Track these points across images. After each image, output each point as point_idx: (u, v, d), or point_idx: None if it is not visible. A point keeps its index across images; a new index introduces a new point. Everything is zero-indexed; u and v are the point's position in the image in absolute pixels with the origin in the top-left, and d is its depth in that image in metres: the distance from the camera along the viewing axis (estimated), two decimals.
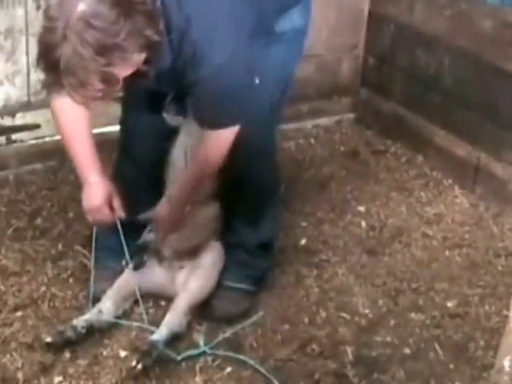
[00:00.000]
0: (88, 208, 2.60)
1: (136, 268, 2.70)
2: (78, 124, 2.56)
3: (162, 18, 2.21)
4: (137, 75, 2.21)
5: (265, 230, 2.85)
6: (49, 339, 2.56)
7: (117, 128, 2.89)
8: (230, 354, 2.59)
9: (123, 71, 2.14)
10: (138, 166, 2.77)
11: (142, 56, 2.17)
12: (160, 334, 2.58)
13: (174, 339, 2.61)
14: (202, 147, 2.52)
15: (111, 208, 2.61)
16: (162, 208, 2.66)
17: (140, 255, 2.71)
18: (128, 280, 2.73)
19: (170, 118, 2.58)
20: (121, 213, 2.61)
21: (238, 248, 2.83)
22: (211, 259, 2.80)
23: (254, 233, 2.82)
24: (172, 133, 2.72)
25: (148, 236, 2.73)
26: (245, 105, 2.43)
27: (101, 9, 2.05)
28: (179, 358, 2.56)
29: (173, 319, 2.65)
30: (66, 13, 2.05)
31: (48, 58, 2.09)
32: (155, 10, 2.17)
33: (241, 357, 2.58)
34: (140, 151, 2.76)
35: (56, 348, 2.56)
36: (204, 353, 2.59)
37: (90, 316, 2.63)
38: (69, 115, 2.52)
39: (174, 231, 2.72)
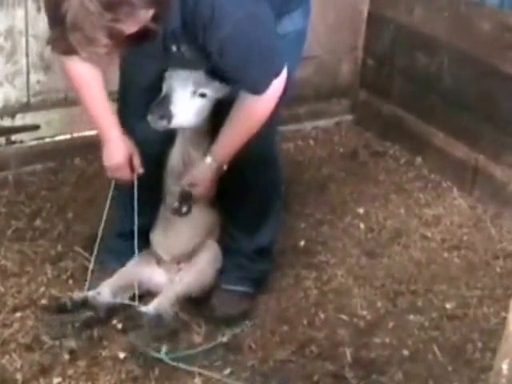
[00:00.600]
0: (108, 166, 2.65)
1: (186, 213, 2.68)
2: (94, 83, 2.56)
3: None
4: (144, 34, 2.17)
5: (264, 237, 2.85)
6: (44, 302, 2.61)
7: None
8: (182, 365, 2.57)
9: (130, 27, 2.10)
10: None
11: (150, 12, 2.12)
12: (147, 309, 2.60)
13: (159, 330, 2.61)
14: (248, 98, 2.45)
15: (131, 166, 2.63)
16: (204, 167, 2.62)
17: (188, 201, 2.67)
18: (129, 272, 2.74)
19: (154, 120, 2.53)
20: (140, 170, 2.64)
21: (236, 253, 2.83)
22: (206, 257, 2.81)
23: (252, 240, 2.82)
24: (169, 139, 2.72)
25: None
26: (277, 52, 2.42)
27: None
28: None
29: (160, 303, 2.65)
30: None
31: (55, 13, 2.06)
32: None
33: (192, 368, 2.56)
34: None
35: (50, 312, 2.64)
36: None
37: (87, 293, 2.67)
38: (83, 75, 2.53)
39: (211, 192, 2.69)
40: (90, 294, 2.67)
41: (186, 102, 2.54)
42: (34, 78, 3.44)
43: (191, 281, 2.76)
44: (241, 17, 2.28)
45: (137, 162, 2.65)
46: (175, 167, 2.73)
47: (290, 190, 3.52)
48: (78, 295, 2.70)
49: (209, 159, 2.60)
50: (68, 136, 3.58)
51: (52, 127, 3.53)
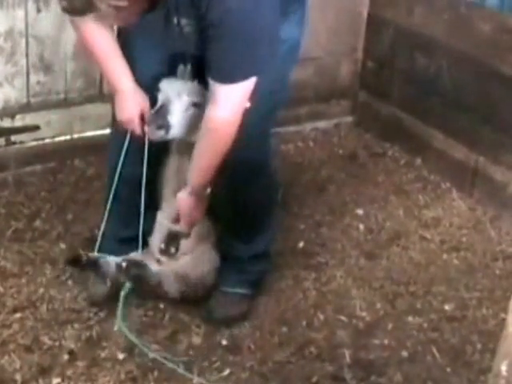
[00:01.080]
0: (120, 119, 2.60)
1: (175, 253, 2.68)
2: (105, 38, 2.53)
3: None
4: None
5: (259, 244, 2.83)
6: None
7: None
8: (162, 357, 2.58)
9: None
10: (130, 187, 2.73)
11: None
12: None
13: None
14: (209, 113, 2.40)
15: (142, 120, 2.57)
16: (183, 201, 2.58)
17: (175, 241, 2.67)
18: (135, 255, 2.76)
19: (152, 130, 2.50)
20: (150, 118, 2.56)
21: (233, 258, 2.82)
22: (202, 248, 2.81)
23: (247, 247, 2.80)
24: (162, 153, 2.70)
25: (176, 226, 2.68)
26: (265, 57, 2.36)
27: None
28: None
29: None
30: None
31: None
32: None
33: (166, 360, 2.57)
34: (131, 173, 2.71)
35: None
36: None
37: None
38: (95, 32, 2.50)
39: (198, 220, 2.65)
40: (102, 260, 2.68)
41: (183, 112, 2.53)
42: (33, 78, 3.44)
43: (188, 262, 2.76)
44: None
45: (147, 112, 2.57)
46: (170, 179, 2.71)
47: (289, 191, 3.53)
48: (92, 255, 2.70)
49: (185, 192, 2.56)
50: (68, 137, 3.58)
51: (52, 128, 3.53)
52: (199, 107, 2.53)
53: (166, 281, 2.71)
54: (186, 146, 2.62)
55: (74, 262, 2.73)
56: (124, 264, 2.62)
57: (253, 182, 2.64)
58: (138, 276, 2.64)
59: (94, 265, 2.69)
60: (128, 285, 2.64)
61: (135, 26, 2.35)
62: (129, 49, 2.58)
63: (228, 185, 2.60)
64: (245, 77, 2.34)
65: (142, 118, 2.58)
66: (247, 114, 2.40)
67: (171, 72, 2.60)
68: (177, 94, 2.52)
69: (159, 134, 2.52)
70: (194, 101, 2.54)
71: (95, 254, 2.72)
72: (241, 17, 2.26)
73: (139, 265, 2.65)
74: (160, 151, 2.69)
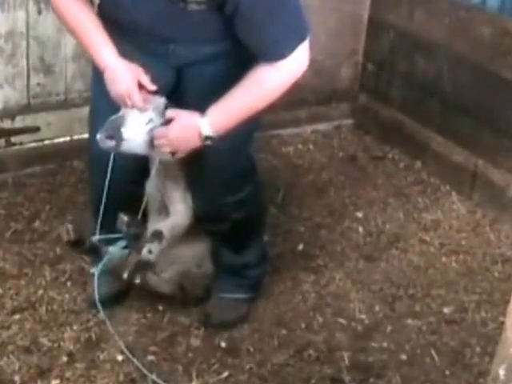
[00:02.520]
0: (116, 96, 2.35)
1: (140, 283, 2.62)
2: (85, 14, 2.34)
3: None
4: None
5: (250, 254, 2.80)
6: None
7: None
8: None
9: None
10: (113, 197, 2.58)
11: None
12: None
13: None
14: (263, 73, 2.25)
15: (140, 88, 2.34)
16: (183, 118, 2.35)
17: (143, 270, 2.60)
18: None
19: (102, 139, 2.33)
20: (153, 87, 2.35)
21: (227, 265, 2.81)
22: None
23: (239, 257, 2.79)
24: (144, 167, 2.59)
25: (149, 256, 2.59)
26: (300, 18, 2.23)
27: None
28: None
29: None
30: None
31: None
32: None
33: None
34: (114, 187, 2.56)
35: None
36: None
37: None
38: (74, 8, 2.33)
39: (175, 151, 2.40)
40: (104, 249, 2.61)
41: (140, 126, 2.36)
42: (34, 80, 3.44)
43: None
44: None
45: (145, 80, 2.33)
46: (153, 196, 2.66)
47: (288, 193, 3.53)
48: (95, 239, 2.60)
49: (195, 115, 2.33)
50: (68, 138, 3.58)
51: (52, 129, 3.53)
52: (160, 125, 2.37)
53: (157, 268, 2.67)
54: (166, 167, 2.55)
55: (77, 243, 2.65)
56: (125, 218, 2.49)
57: (237, 194, 2.61)
58: (137, 235, 2.54)
59: (96, 250, 2.62)
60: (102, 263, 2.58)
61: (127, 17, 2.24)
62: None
63: (211, 199, 2.59)
64: (294, 47, 2.23)
65: (141, 86, 2.34)
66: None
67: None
68: (140, 109, 2.35)
69: (109, 144, 2.34)
70: (154, 119, 2.37)
71: (98, 238, 2.58)
72: None
73: (139, 224, 2.55)
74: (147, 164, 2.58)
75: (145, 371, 2.52)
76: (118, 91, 2.34)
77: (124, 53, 2.36)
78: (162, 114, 2.38)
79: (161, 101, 2.38)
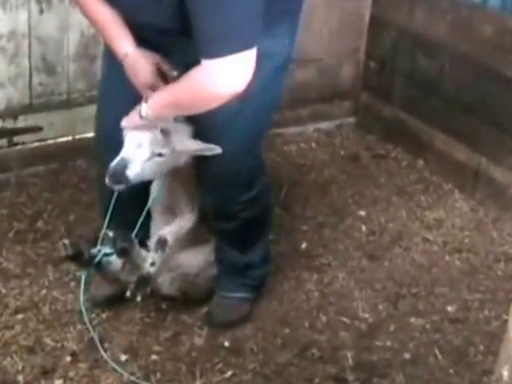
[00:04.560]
0: (137, 85, 2.39)
1: (142, 299, 2.63)
2: (103, 4, 2.35)
3: None
4: None
5: (254, 253, 2.80)
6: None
7: None
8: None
9: None
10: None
11: None
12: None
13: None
14: (192, 76, 2.23)
15: (162, 76, 2.38)
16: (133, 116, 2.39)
17: (143, 287, 2.62)
18: None
19: (110, 184, 2.40)
20: (174, 73, 2.38)
21: (230, 264, 2.81)
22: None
23: (243, 256, 2.78)
24: None
25: (151, 268, 2.62)
26: (248, 26, 2.15)
27: None
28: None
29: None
30: None
31: None
32: None
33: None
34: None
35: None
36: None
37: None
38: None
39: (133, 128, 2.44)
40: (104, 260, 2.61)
41: (143, 163, 2.42)
42: (36, 79, 3.44)
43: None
44: None
45: (166, 67, 2.38)
46: (158, 196, 2.67)
47: (291, 192, 3.53)
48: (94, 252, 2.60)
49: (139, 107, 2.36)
50: (70, 138, 3.58)
51: (54, 129, 3.53)
52: (163, 156, 2.44)
53: (161, 275, 2.69)
54: (177, 167, 2.56)
55: (75, 258, 2.65)
56: (110, 234, 2.55)
57: (242, 202, 2.62)
58: (125, 249, 2.55)
59: (96, 263, 2.60)
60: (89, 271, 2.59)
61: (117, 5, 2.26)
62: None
63: (220, 197, 2.59)
64: (227, 51, 2.13)
65: (161, 73, 2.38)
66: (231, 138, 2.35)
67: None
68: (137, 145, 2.41)
69: (119, 188, 2.43)
70: (157, 151, 2.43)
71: (96, 250, 2.60)
72: None
73: (126, 238, 2.57)
74: None
75: None
76: (140, 81, 2.37)
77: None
78: (161, 142, 2.42)
79: (157, 132, 2.42)
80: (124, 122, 2.42)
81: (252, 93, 2.23)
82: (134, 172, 2.41)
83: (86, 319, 2.61)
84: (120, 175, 2.40)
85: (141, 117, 2.36)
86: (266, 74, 2.33)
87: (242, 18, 2.14)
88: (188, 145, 2.47)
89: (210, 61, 2.15)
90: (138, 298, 2.58)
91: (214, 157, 2.46)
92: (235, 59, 2.14)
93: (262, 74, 2.27)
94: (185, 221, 2.66)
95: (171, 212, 2.67)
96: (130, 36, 2.36)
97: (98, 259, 2.56)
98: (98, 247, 2.59)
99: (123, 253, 2.57)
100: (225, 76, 2.17)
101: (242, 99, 2.24)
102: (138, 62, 2.36)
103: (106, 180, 2.41)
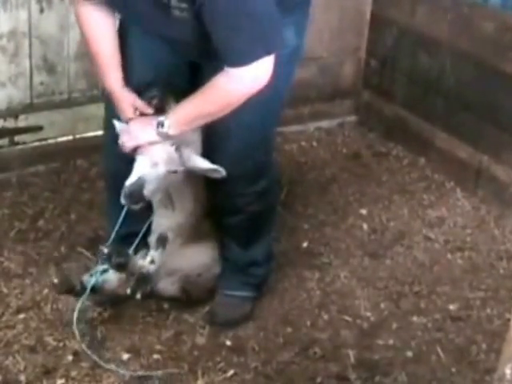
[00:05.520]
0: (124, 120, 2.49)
1: (141, 297, 2.63)
2: (102, 28, 2.44)
3: None
4: None
5: (258, 250, 2.80)
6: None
7: None
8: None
9: None
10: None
11: None
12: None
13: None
14: (220, 83, 2.28)
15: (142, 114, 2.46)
16: (142, 118, 2.44)
17: (143, 284, 2.62)
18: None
19: (127, 204, 2.41)
20: (148, 110, 2.45)
21: (233, 261, 2.80)
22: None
23: (247, 253, 2.79)
24: None
25: (150, 266, 2.63)
26: (270, 32, 2.23)
27: None
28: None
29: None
30: None
31: None
32: None
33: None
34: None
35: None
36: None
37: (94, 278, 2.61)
38: (95, 25, 2.43)
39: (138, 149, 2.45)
40: (99, 280, 2.62)
41: (159, 181, 2.45)
42: (37, 79, 3.44)
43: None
44: None
45: (140, 105, 2.44)
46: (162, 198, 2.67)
47: (292, 190, 3.53)
48: (86, 280, 2.63)
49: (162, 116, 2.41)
50: (71, 137, 3.58)
51: (55, 128, 3.53)
52: (177, 172, 2.47)
53: (160, 277, 2.69)
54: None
55: (68, 290, 2.68)
56: (105, 250, 2.53)
57: (250, 195, 2.63)
58: (121, 264, 2.55)
59: (90, 288, 2.62)
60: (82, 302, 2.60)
61: (127, 16, 2.30)
62: (126, 48, 2.50)
63: (226, 190, 2.58)
64: (257, 56, 2.22)
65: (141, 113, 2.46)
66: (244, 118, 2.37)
67: (169, 70, 2.50)
68: (152, 164, 2.43)
69: (136, 207, 2.45)
70: (171, 170, 2.45)
71: (87, 276, 2.64)
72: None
73: (122, 253, 2.57)
74: None
75: None
76: (123, 117, 2.49)
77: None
78: (177, 161, 2.44)
79: (172, 149, 2.43)
80: (132, 139, 2.42)
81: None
82: (150, 191, 2.43)
83: (77, 335, 2.60)
84: (137, 196, 2.42)
85: (161, 134, 2.38)
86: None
87: (263, 24, 2.23)
88: (197, 163, 2.47)
89: (236, 69, 2.24)
90: (138, 296, 2.58)
91: (224, 150, 2.49)
92: (259, 63, 2.23)
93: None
94: (187, 216, 2.66)
95: (173, 206, 2.66)
96: (119, 71, 2.46)
97: (91, 285, 2.57)
98: (89, 272, 2.62)
99: (119, 268, 2.57)
100: (250, 79, 2.26)
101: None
102: (121, 104, 2.48)
103: (122, 200, 2.41)
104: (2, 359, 2.55)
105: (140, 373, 2.53)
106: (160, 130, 2.38)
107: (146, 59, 2.51)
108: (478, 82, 3.58)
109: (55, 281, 2.63)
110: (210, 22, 2.20)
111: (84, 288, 2.59)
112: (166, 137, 2.40)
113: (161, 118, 2.39)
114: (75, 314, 2.57)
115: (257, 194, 2.65)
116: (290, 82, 2.58)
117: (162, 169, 2.43)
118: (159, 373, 2.53)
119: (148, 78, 2.48)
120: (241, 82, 2.27)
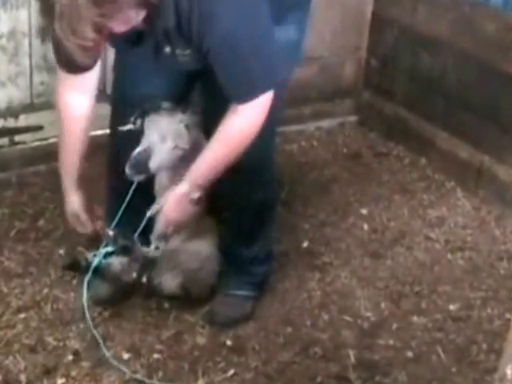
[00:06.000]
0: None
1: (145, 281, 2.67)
2: (77, 128, 2.60)
3: None
4: (136, 35, 2.20)
5: (260, 248, 2.80)
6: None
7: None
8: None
9: (119, 26, 2.10)
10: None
11: (140, 15, 2.12)
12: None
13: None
14: (230, 122, 2.34)
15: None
16: (173, 196, 2.49)
17: (148, 269, 2.65)
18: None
19: (131, 174, 2.49)
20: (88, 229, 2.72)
21: (234, 260, 2.80)
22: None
23: (248, 250, 2.78)
24: None
25: (155, 252, 2.65)
26: (273, 62, 2.32)
27: None
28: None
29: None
30: None
31: (45, 2, 2.09)
32: None
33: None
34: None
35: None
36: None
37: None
38: (72, 112, 2.56)
39: (179, 224, 2.57)
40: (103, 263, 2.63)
41: (165, 156, 2.50)
42: (37, 78, 3.44)
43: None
44: (238, 16, 2.22)
45: (84, 218, 2.68)
46: (163, 180, 2.67)
47: (293, 190, 3.52)
48: (91, 258, 2.63)
49: (178, 188, 2.47)
50: None
51: (55, 128, 3.50)
52: (184, 151, 2.51)
53: (162, 273, 2.69)
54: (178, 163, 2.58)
55: (73, 266, 2.71)
56: (111, 232, 2.57)
57: (254, 184, 2.63)
58: (126, 247, 2.58)
59: (94, 268, 2.62)
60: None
61: (127, 55, 2.38)
62: (123, 66, 2.59)
63: (229, 187, 2.58)
64: (263, 89, 2.32)
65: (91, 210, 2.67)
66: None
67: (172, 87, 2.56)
68: (161, 137, 2.47)
69: (138, 178, 2.51)
70: (179, 146, 2.50)
71: (92, 255, 2.63)
72: (239, 34, 2.22)
73: (127, 236, 2.58)
74: None
75: None
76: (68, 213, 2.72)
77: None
78: (185, 138, 2.50)
79: (181, 126, 2.49)
80: (167, 217, 2.51)
81: None
82: (156, 163, 2.48)
83: (88, 319, 2.60)
84: (143, 166, 2.47)
85: (191, 200, 2.46)
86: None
87: (268, 59, 2.31)
88: (203, 143, 2.49)
89: (244, 105, 2.31)
90: (144, 279, 2.62)
91: None
92: (262, 97, 2.31)
93: None
94: None
95: None
96: (77, 176, 2.66)
97: (95, 264, 2.57)
98: (94, 252, 2.62)
99: (125, 251, 2.57)
100: (259, 113, 2.34)
101: None
102: (69, 198, 2.69)
103: (126, 169, 2.47)
104: (2, 359, 2.55)
105: (141, 374, 2.53)
106: (188, 198, 2.45)
107: (142, 72, 2.54)
108: (479, 81, 3.57)
109: (61, 252, 2.66)
110: (215, 64, 2.28)
111: (88, 265, 2.59)
112: (195, 203, 2.47)
113: (182, 188, 2.44)
114: (84, 294, 2.56)
115: (258, 183, 2.65)
116: (290, 73, 2.59)
117: (169, 143, 2.48)
118: (159, 373, 2.54)
119: (147, 90, 2.53)
120: (250, 118, 2.34)
